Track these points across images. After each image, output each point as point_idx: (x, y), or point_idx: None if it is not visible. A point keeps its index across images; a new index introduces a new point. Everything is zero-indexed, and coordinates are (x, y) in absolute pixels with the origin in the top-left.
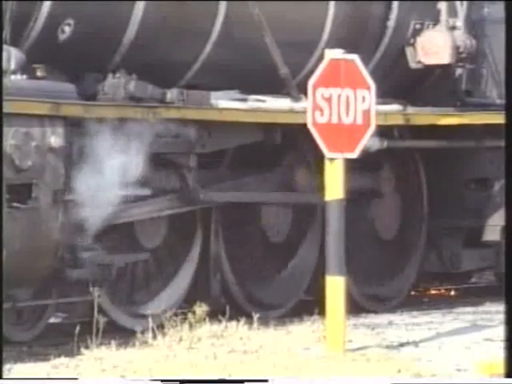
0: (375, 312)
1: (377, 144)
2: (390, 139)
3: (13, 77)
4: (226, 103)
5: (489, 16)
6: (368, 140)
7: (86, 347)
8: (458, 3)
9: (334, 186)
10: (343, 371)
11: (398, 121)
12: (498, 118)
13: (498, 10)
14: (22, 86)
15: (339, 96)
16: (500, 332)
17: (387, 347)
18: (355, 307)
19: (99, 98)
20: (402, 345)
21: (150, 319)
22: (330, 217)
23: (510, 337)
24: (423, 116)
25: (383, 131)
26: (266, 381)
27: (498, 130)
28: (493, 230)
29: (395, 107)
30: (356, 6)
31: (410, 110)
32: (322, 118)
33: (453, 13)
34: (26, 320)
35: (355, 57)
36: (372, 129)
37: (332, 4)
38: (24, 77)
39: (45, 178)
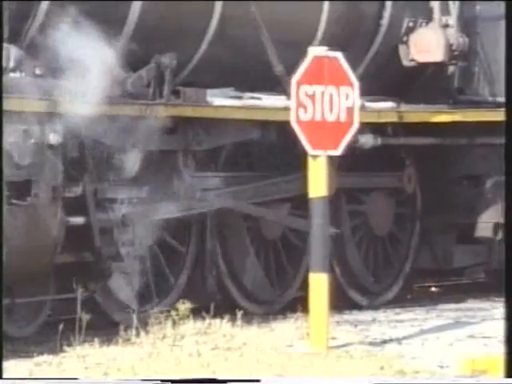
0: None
1: (370, 141)
2: (384, 136)
3: (11, 74)
4: (222, 101)
5: (480, 14)
6: (362, 137)
7: (69, 345)
8: (450, 1)
9: (318, 183)
10: (327, 368)
11: (392, 118)
12: (490, 116)
13: (489, 8)
14: (20, 84)
15: (323, 93)
16: (482, 329)
17: (370, 344)
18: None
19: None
20: (385, 342)
21: (134, 316)
22: (313, 214)
23: (510, 337)
24: (416, 113)
25: (377, 128)
26: (258, 381)
27: (489, 127)
28: (485, 226)
29: (389, 105)
30: (350, 4)
31: (403, 107)
32: (305, 116)
33: (445, 11)
34: (23, 316)
35: (339, 54)
36: (356, 126)
37: (326, 3)
38: (23, 74)
39: (43, 175)
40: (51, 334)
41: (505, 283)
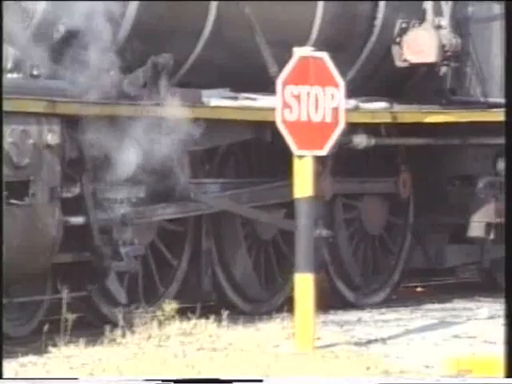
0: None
1: (364, 142)
2: (378, 137)
3: (9, 75)
4: (218, 101)
5: (473, 15)
6: (356, 138)
7: (54, 345)
8: (443, 2)
9: (304, 183)
10: (312, 368)
11: (385, 119)
12: (482, 116)
13: (481, 9)
14: (18, 85)
15: (308, 94)
16: (467, 328)
17: (356, 344)
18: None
19: (93, 96)
20: (370, 342)
21: (120, 317)
22: (299, 214)
23: (510, 337)
24: (410, 114)
25: (371, 129)
26: (260, 381)
27: (481, 127)
28: (477, 226)
29: (382, 105)
30: (344, 5)
31: (396, 107)
32: (291, 116)
33: (438, 12)
34: (21, 315)
35: (324, 54)
36: (341, 127)
37: (320, 4)
38: (20, 75)
39: (42, 175)
40: (37, 335)
41: (505, 283)
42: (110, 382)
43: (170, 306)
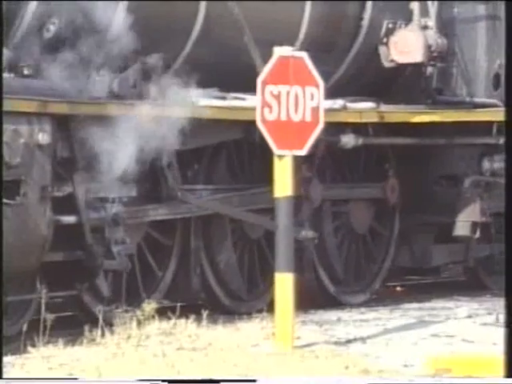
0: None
1: (352, 141)
2: (365, 136)
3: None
4: (207, 101)
5: (458, 16)
6: (344, 137)
7: (33, 345)
8: (429, 3)
9: (283, 182)
10: (292, 368)
11: (373, 118)
12: (468, 116)
13: (466, 10)
14: (9, 85)
15: (288, 93)
16: (446, 328)
17: (335, 344)
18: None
19: (84, 96)
20: (350, 341)
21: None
22: (278, 214)
23: (510, 337)
24: (397, 114)
25: (358, 128)
26: (254, 381)
27: (467, 127)
28: (463, 225)
29: (369, 105)
30: (331, 5)
31: (383, 107)
32: (270, 115)
33: (424, 13)
34: (11, 315)
35: (304, 54)
36: (321, 126)
37: (308, 4)
38: (11, 75)
39: (33, 175)
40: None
41: (505, 282)
42: (110, 382)
43: (150, 306)
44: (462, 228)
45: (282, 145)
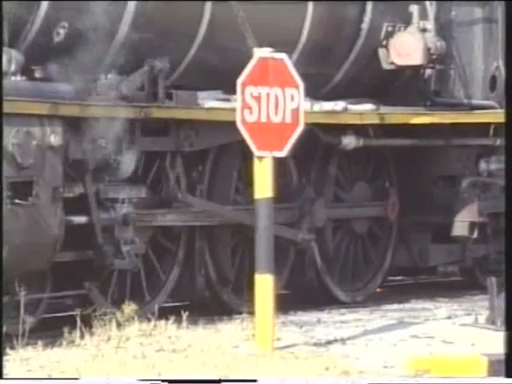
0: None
1: (353, 142)
2: (366, 138)
3: (13, 78)
4: (213, 103)
5: (456, 18)
6: (345, 139)
7: (12, 348)
8: (428, 6)
9: (263, 184)
10: (272, 369)
11: (373, 120)
12: (465, 118)
13: (463, 13)
14: (22, 87)
15: (268, 95)
16: (425, 329)
17: (315, 345)
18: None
19: (92, 98)
20: (330, 342)
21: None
22: (259, 215)
23: (510, 337)
24: (397, 115)
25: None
26: (255, 381)
27: (464, 129)
28: (460, 225)
29: (369, 107)
30: (332, 8)
31: (383, 109)
32: (251, 117)
33: (423, 15)
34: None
35: (284, 55)
36: (301, 127)
37: (310, 8)
38: (23, 78)
39: (44, 176)
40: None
41: (505, 282)
42: (110, 382)
43: (130, 308)
44: (459, 228)
45: (262, 146)
